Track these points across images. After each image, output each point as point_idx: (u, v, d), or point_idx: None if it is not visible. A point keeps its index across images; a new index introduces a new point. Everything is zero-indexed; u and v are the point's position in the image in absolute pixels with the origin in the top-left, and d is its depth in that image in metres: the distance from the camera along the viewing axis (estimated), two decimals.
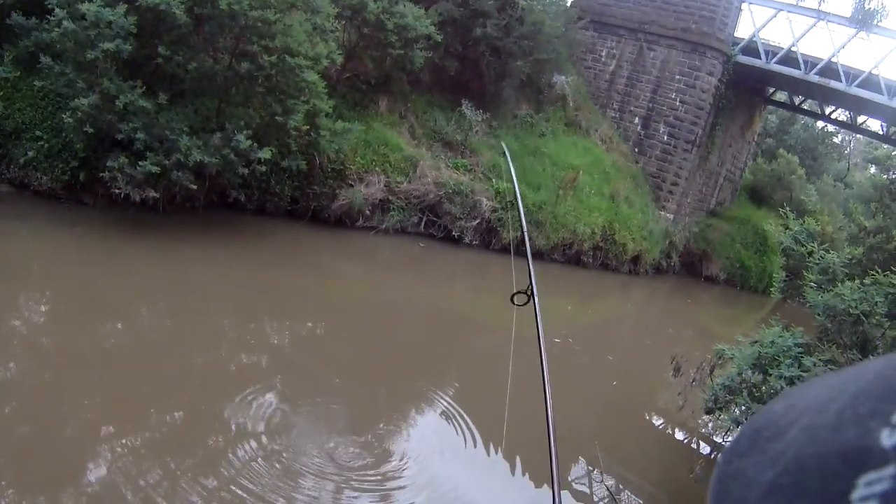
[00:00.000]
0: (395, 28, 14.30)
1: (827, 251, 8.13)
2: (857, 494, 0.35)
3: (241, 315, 9.95)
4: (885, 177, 27.09)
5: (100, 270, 9.67)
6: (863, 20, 18.88)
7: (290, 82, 11.36)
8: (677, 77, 21.69)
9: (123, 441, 5.87)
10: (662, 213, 22.10)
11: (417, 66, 15.20)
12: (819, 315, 7.47)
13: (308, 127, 12.02)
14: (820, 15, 19.79)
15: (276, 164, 12.02)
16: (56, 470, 5.33)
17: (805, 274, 8.21)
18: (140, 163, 10.20)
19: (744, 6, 21.46)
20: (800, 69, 19.79)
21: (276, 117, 11.31)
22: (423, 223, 15.70)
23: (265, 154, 10.89)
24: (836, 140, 36.95)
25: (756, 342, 8.05)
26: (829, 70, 19.50)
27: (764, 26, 21.06)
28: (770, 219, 21.33)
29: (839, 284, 7.33)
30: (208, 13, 10.67)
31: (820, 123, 32.39)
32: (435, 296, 13.95)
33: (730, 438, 9.28)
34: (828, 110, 26.04)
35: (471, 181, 16.13)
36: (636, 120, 22.67)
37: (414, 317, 12.25)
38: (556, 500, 2.25)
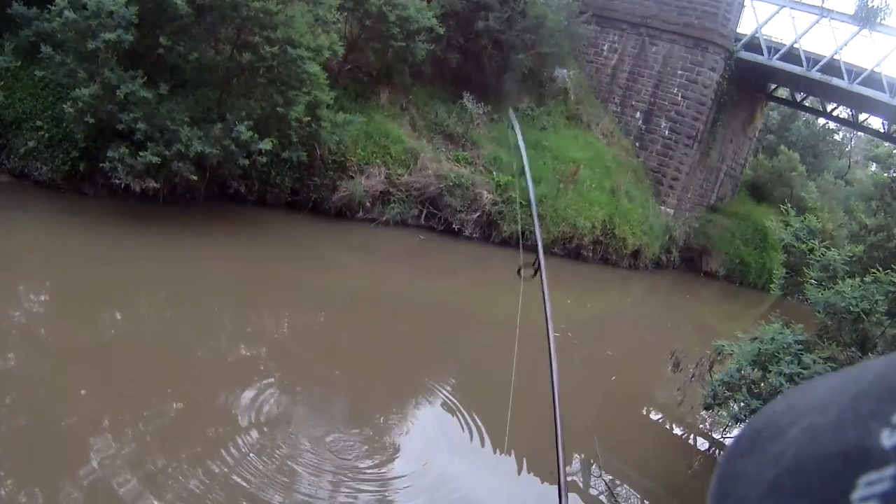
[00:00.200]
0: (397, 20, 14.26)
1: (828, 248, 8.11)
2: (857, 495, 0.35)
3: (240, 306, 9.96)
4: (885, 175, 26.98)
5: (100, 261, 9.67)
6: (866, 18, 18.82)
7: (291, 73, 11.33)
8: (679, 72, 21.62)
9: (122, 431, 5.89)
10: (663, 207, 22.06)
11: (419, 59, 15.16)
12: (819, 312, 7.47)
13: (309, 118, 12.00)
14: (823, 12, 19.73)
15: (276, 156, 12.00)
16: (55, 460, 5.35)
17: (805, 271, 8.20)
18: (140, 153, 10.18)
19: (746, 2, 21.38)
20: (802, 66, 19.72)
21: (278, 108, 11.28)
22: (423, 215, 15.69)
23: (266, 145, 10.87)
24: (837, 137, 36.83)
25: (756, 338, 8.06)
26: (831, 67, 19.44)
27: (766, 22, 20.99)
28: (770, 215, 21.32)
29: (840, 282, 7.32)
30: (210, 4, 10.64)
31: (821, 120, 32.32)
32: (435, 288, 13.96)
33: (728, 435, 9.32)
34: (829, 107, 25.96)
35: (471, 174, 16.12)
36: (637, 114, 22.60)
37: (414, 309, 12.26)
38: (563, 493, 2.26)
